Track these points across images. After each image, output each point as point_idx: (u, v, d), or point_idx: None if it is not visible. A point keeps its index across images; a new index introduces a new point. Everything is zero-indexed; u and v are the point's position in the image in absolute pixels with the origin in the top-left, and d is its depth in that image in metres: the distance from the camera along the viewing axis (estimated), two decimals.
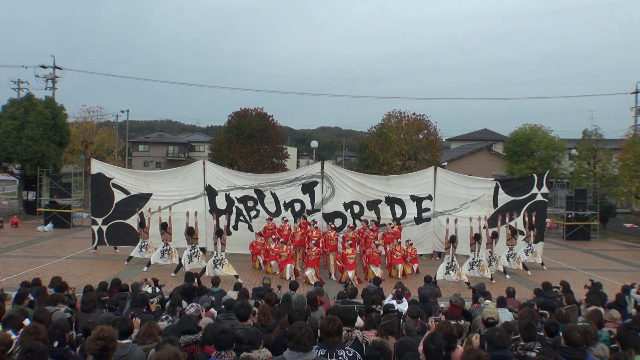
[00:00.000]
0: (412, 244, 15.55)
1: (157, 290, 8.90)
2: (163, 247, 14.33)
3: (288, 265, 13.97)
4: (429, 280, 10.18)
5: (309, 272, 13.47)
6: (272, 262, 14.52)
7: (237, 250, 16.55)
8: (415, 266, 15.18)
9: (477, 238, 14.02)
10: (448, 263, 13.43)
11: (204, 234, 16.60)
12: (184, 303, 7.35)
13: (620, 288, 9.74)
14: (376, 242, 15.10)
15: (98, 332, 4.03)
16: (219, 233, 13.43)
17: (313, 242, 14.16)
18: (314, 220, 16.19)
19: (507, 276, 14.76)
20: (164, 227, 14.31)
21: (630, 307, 9.16)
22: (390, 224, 16.36)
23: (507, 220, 15.84)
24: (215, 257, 13.18)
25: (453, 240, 13.56)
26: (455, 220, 14.70)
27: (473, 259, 13.95)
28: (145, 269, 14.24)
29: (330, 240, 14.71)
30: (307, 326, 4.06)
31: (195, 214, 14.79)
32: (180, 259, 14.07)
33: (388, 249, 15.37)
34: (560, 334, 4.87)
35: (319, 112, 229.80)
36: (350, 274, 13.37)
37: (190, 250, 13.78)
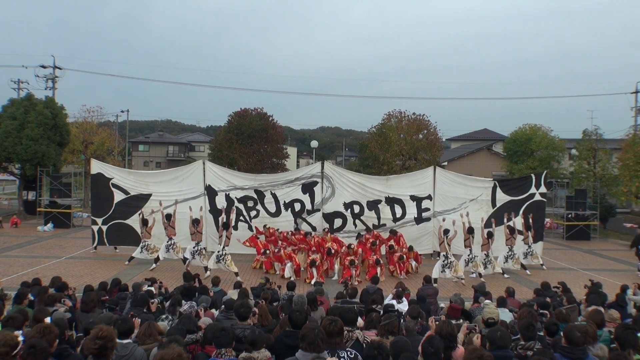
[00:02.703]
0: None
1: (164, 291, 8.94)
2: (167, 242, 14.40)
3: (288, 264, 13.97)
4: (429, 281, 10.18)
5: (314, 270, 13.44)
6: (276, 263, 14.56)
7: (237, 250, 16.54)
8: (414, 263, 15.19)
9: (470, 232, 14.08)
10: (443, 261, 13.48)
11: (205, 234, 16.58)
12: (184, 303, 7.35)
13: (620, 288, 9.75)
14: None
15: (97, 332, 4.04)
16: (225, 226, 13.50)
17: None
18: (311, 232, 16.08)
19: (506, 275, 14.77)
20: (168, 219, 14.42)
21: (630, 307, 9.16)
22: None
23: (504, 220, 15.79)
24: (218, 251, 13.20)
25: (446, 233, 13.87)
26: (454, 222, 14.77)
27: (468, 256, 14.00)
28: (153, 266, 14.34)
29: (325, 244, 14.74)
30: (319, 327, 4.07)
31: (201, 208, 15.09)
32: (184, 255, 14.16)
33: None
34: (561, 333, 4.87)
35: (319, 112, 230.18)
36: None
37: (194, 247, 13.82)
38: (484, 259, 14.34)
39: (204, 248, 15.46)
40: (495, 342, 4.65)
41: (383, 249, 15.53)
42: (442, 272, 13.39)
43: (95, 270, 14.24)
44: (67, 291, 8.29)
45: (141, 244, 14.96)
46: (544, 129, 33.26)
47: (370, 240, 15.10)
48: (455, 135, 56.78)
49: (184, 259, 14.03)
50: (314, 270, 13.13)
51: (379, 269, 13.68)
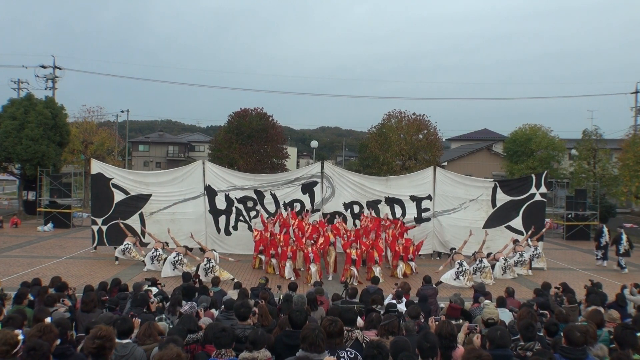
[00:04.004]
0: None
1: (157, 290, 8.92)
2: (153, 253, 14.35)
3: (288, 264, 13.95)
4: (429, 281, 10.17)
5: (314, 269, 13.41)
6: (273, 261, 14.47)
7: (237, 251, 16.57)
8: (413, 264, 15.14)
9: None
10: (457, 269, 13.38)
11: (204, 234, 16.62)
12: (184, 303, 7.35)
13: (620, 288, 9.76)
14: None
15: (96, 331, 4.05)
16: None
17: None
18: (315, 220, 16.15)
19: (530, 272, 15.17)
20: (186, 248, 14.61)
21: (630, 307, 9.16)
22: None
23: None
24: (205, 264, 13.11)
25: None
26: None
27: (477, 265, 13.94)
28: (145, 269, 14.29)
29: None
30: (319, 327, 4.08)
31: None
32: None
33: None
34: (562, 333, 4.87)
35: (319, 112, 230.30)
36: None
37: (175, 258, 13.78)
38: (518, 258, 14.97)
39: (201, 249, 15.50)
40: (495, 342, 4.64)
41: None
42: (455, 279, 13.25)
43: (95, 270, 14.24)
44: (67, 291, 8.29)
45: (123, 247, 15.10)
46: (544, 129, 33.28)
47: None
48: (455, 135, 56.76)
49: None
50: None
51: (376, 254, 13.74)
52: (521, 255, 15.24)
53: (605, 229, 17.68)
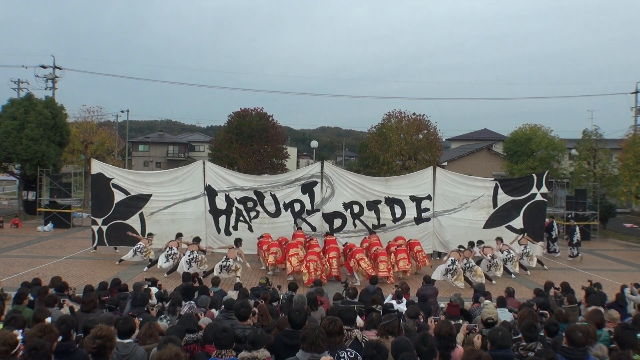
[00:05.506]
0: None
1: (163, 292, 8.94)
2: (168, 252, 14.26)
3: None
4: (429, 281, 10.17)
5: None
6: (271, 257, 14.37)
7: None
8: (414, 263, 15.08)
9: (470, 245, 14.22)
10: (449, 266, 13.31)
11: (204, 234, 16.61)
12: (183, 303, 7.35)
13: (620, 288, 9.76)
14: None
15: (96, 331, 4.04)
16: (237, 242, 13.90)
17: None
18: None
19: (513, 275, 14.81)
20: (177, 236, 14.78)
21: (630, 307, 9.16)
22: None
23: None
24: (222, 262, 13.10)
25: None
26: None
27: (466, 264, 13.83)
28: (146, 268, 14.28)
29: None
30: (320, 327, 4.08)
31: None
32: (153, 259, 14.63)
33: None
34: (563, 333, 4.87)
35: (319, 112, 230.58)
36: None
37: (189, 256, 13.76)
38: (507, 255, 14.96)
39: (202, 250, 15.46)
40: (497, 342, 4.63)
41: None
42: (444, 275, 13.25)
43: (95, 270, 14.24)
44: (67, 291, 8.29)
45: (135, 247, 14.93)
46: (544, 129, 33.24)
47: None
48: (455, 135, 56.73)
49: (154, 262, 14.40)
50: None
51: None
52: (509, 252, 15.18)
53: (555, 223, 19.81)
